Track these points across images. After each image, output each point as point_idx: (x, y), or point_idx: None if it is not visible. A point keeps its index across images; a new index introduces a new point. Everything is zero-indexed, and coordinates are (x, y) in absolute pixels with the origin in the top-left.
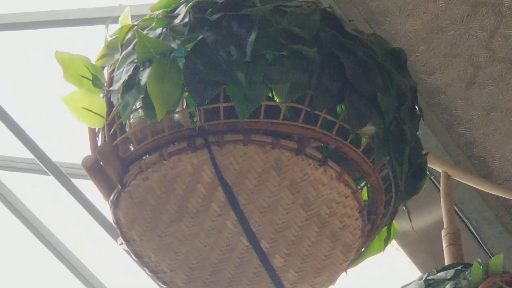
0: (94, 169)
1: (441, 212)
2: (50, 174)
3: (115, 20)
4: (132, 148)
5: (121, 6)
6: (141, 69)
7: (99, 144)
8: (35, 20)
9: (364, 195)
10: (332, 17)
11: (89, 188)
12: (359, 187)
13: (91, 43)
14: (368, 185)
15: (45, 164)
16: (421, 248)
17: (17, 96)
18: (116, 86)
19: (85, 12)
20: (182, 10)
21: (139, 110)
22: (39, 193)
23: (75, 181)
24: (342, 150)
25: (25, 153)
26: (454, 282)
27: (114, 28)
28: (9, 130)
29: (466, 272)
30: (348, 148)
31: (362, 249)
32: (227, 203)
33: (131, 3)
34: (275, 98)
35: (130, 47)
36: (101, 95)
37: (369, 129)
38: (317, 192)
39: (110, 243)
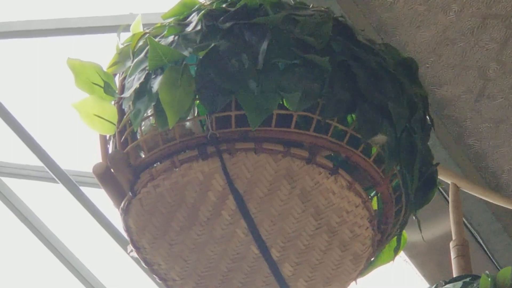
0: (105, 176)
1: (450, 223)
2: (59, 182)
3: (126, 28)
4: (143, 156)
5: (132, 14)
6: (153, 76)
7: (110, 151)
8: (47, 28)
9: (375, 204)
10: (344, 26)
11: (97, 196)
12: (370, 197)
13: (102, 51)
14: (379, 194)
15: (54, 172)
16: (429, 259)
17: (26, 103)
18: (128, 93)
19: (96, 21)
20: (194, 18)
21: (151, 117)
22: (48, 201)
23: (84, 189)
24: (353, 159)
25: (34, 161)
26: None
27: (125, 36)
28: (19, 137)
29: (474, 285)
30: (359, 158)
31: (372, 259)
32: (238, 211)
33: (142, 11)
34: (287, 107)
35: (142, 55)
36: (113, 102)
37: (380, 138)
38: (328, 201)
39: (118, 252)
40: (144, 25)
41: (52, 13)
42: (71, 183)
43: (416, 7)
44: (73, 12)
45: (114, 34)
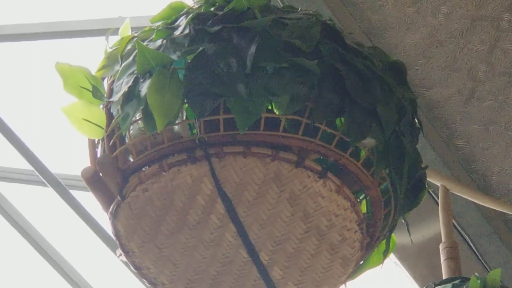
0: (94, 180)
1: (439, 225)
2: (49, 185)
3: (115, 31)
4: (132, 160)
5: (121, 17)
6: (141, 80)
7: (98, 155)
8: (35, 31)
9: (363, 208)
10: (332, 29)
11: (87, 199)
12: (359, 200)
13: (91, 54)
14: (368, 197)
15: (43, 175)
16: (419, 261)
17: (15, 107)
18: (116, 97)
19: (85, 24)
20: (183, 22)
21: (139, 121)
22: (38, 204)
23: (74, 192)
24: (342, 162)
25: (24, 164)
26: None
27: (114, 39)
28: (8, 141)
29: (464, 286)
30: (348, 161)
31: (361, 262)
32: (227, 215)
33: (131, 14)
34: (275, 110)
35: (130, 59)
36: (101, 106)
37: (369, 141)
38: (317, 204)
39: (108, 255)
40: (133, 29)
41: (41, 17)
42: (61, 187)
43: (405, 9)
44: (61, 16)
45: (103, 38)
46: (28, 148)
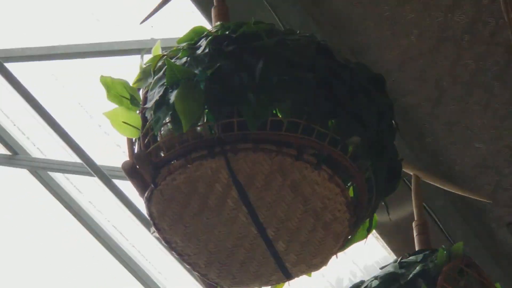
0: (132, 171)
1: (412, 207)
2: (95, 175)
3: (148, 51)
4: (163, 155)
5: (153, 39)
6: (170, 90)
7: (135, 151)
8: (86, 50)
9: (351, 192)
10: (325, 48)
11: (127, 187)
12: (347, 186)
13: (129, 69)
14: (354, 185)
15: (91, 167)
16: (396, 236)
17: (70, 112)
18: (150, 104)
19: (124, 44)
20: (203, 43)
21: (168, 123)
22: (87, 191)
23: (115, 181)
24: (333, 156)
25: (76, 159)
26: (423, 264)
27: (147, 57)
28: (63, 140)
29: (433, 256)
30: (338, 155)
31: (349, 237)
32: (240, 199)
33: (161, 37)
34: (279, 114)
35: (161, 73)
36: (137, 111)
37: (355, 139)
38: (313, 190)
39: (143, 232)
40: (163, 48)
41: (89, 38)
42: (105, 176)
43: (383, 32)
44: (106, 38)
45: (139, 56)
46: (78, 145)
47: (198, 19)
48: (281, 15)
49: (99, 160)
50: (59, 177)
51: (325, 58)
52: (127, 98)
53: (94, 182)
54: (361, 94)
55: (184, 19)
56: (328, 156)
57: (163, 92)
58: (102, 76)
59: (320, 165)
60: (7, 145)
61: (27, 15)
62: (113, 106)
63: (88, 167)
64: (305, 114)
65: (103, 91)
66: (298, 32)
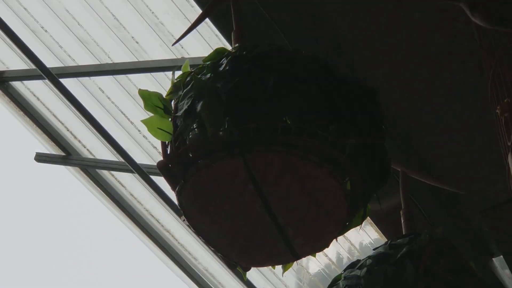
0: (165, 169)
1: (400, 198)
2: (135, 172)
3: (178, 68)
4: (191, 155)
5: (183, 58)
6: (197, 101)
7: (168, 152)
8: (127, 67)
9: (348, 186)
10: (326, 65)
11: (162, 182)
12: (345, 181)
13: (163, 83)
14: (351, 179)
15: (132, 165)
16: (386, 222)
17: (115, 120)
18: (180, 113)
19: (158, 63)
20: (224, 61)
21: (195, 129)
22: (128, 185)
23: (152, 177)
24: (333, 155)
25: (119, 158)
26: (409, 246)
27: (177, 73)
28: (108, 142)
29: (417, 239)
30: (337, 154)
31: (347, 223)
32: (256, 192)
33: (190, 56)
34: (287, 121)
35: (189, 87)
36: (170, 119)
37: (351, 141)
38: (316, 184)
39: (175, 219)
40: (191, 66)
41: (130, 58)
42: (144, 173)
43: (375, 51)
44: (143, 57)
45: (170, 72)
46: (122, 147)
47: (221, 41)
48: (289, 36)
49: (139, 159)
50: (106, 174)
51: (326, 74)
52: (161, 108)
53: (135, 178)
54: (356, 103)
55: (209, 41)
56: (329, 156)
57: (191, 103)
58: (140, 90)
59: (322, 163)
60: (61, 147)
61: (78, 39)
62: (149, 114)
63: (130, 165)
64: (309, 121)
65: (141, 101)
66: (303, 51)
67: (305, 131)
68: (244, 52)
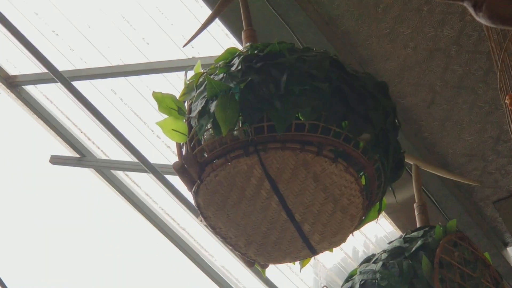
0: (181, 170)
1: (413, 191)
2: (150, 172)
3: (190, 68)
4: (206, 155)
5: (194, 58)
6: (210, 102)
7: (183, 153)
8: (139, 69)
9: (363, 181)
10: (337, 62)
11: (177, 181)
12: (360, 176)
13: (175, 83)
14: (365, 174)
15: (146, 165)
16: (401, 215)
17: (128, 121)
18: (194, 114)
19: (169, 63)
20: (236, 61)
21: (210, 129)
22: (143, 185)
23: (167, 176)
24: (347, 151)
25: (132, 158)
26: (423, 239)
27: (190, 74)
28: (122, 143)
29: (432, 232)
30: (351, 150)
31: (363, 218)
32: (271, 190)
33: (201, 55)
34: (301, 118)
35: (202, 87)
36: (184, 120)
37: (365, 136)
38: (332, 180)
39: (191, 217)
40: (202, 66)
41: (143, 58)
42: (158, 172)
43: (385, 45)
44: (154, 58)
45: (182, 72)
46: (135, 147)
47: (230, 40)
48: (299, 35)
49: (153, 159)
50: (120, 174)
51: (337, 70)
52: (175, 110)
53: (149, 177)
54: (368, 98)
55: (219, 40)
56: (343, 151)
57: (205, 103)
58: (154, 92)
59: (337, 159)
60: (76, 149)
61: (89, 41)
62: (163, 116)
63: (144, 165)
64: (323, 117)
65: (153, 101)
66: (314, 49)
67: (319, 128)
68: (256, 51)
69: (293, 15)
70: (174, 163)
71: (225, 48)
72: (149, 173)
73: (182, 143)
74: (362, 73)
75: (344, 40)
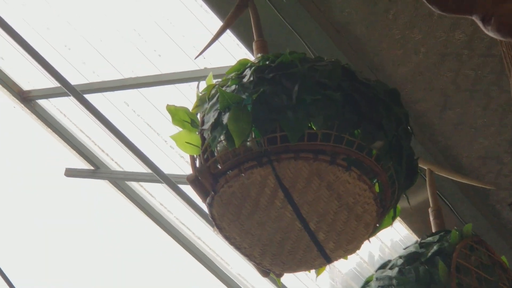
0: (195, 182)
1: (428, 195)
2: (164, 182)
3: (202, 79)
4: (220, 167)
5: (206, 69)
6: (223, 113)
7: (197, 165)
8: (151, 81)
9: (377, 188)
10: (349, 70)
11: (190, 190)
12: (373, 183)
13: (187, 95)
14: (379, 181)
15: (160, 175)
16: (415, 220)
17: (141, 132)
18: (207, 126)
19: (180, 74)
20: (248, 72)
21: (223, 141)
22: (158, 195)
23: (181, 186)
24: (360, 159)
25: (146, 169)
26: (439, 244)
27: (201, 84)
28: (135, 154)
29: (447, 237)
30: (364, 158)
31: (377, 225)
32: (285, 199)
33: (213, 66)
34: (313, 127)
35: (214, 99)
36: (197, 132)
37: (378, 144)
38: (345, 188)
39: (205, 226)
40: (214, 76)
41: (153, 71)
42: (172, 183)
43: (396, 52)
44: (166, 69)
45: (194, 83)
46: (149, 158)
47: (242, 50)
48: (310, 43)
49: (166, 169)
50: (135, 185)
51: (349, 79)
52: (188, 122)
53: (164, 187)
54: (380, 106)
55: (230, 50)
56: (356, 160)
57: (217, 115)
58: (168, 105)
59: (350, 167)
60: (90, 161)
61: (101, 54)
62: (176, 128)
63: (158, 175)
64: (335, 126)
65: (166, 112)
66: (325, 58)
67: (332, 137)
68: (267, 62)
69: (303, 23)
70: (188, 176)
71: (236, 58)
72: (163, 183)
73: (195, 155)
74: (374, 81)
75: (355, 47)
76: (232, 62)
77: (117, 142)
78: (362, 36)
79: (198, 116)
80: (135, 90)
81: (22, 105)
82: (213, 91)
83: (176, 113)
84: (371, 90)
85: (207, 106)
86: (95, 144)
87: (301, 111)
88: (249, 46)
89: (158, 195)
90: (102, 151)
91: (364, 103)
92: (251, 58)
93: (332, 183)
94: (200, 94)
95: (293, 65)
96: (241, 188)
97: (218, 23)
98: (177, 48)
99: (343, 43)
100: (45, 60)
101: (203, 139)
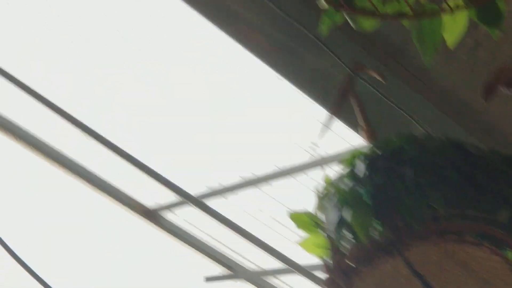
0: (332, 284)
1: None
2: (300, 273)
3: (315, 166)
4: (350, 263)
5: (322, 158)
6: (344, 211)
7: (330, 267)
8: (269, 176)
9: (510, 256)
10: (460, 146)
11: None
12: (506, 252)
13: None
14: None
15: (295, 267)
16: None
17: (268, 228)
18: (331, 226)
19: (298, 166)
20: (362, 166)
21: (349, 238)
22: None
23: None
24: (488, 232)
25: (281, 263)
26: None
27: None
28: (269, 253)
29: None
30: (492, 230)
31: None
32: (424, 286)
33: (324, 152)
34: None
35: (334, 198)
36: (323, 234)
37: (503, 214)
38: (480, 264)
39: None
40: (326, 162)
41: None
42: (308, 273)
43: (507, 107)
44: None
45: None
46: (281, 253)
47: (349, 130)
48: (417, 115)
49: (300, 260)
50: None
51: (462, 154)
52: (312, 226)
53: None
54: (499, 176)
55: (338, 135)
56: (484, 233)
57: (339, 213)
58: (291, 214)
59: (481, 242)
60: (225, 265)
61: (217, 159)
62: (304, 235)
63: (293, 267)
64: (457, 205)
65: (288, 204)
66: (434, 136)
67: (455, 215)
68: (378, 151)
69: (408, 100)
70: (325, 280)
71: (346, 140)
72: (299, 274)
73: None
74: (487, 151)
75: (462, 111)
76: (343, 143)
77: (246, 241)
78: (468, 99)
79: (320, 216)
80: (255, 188)
81: (149, 221)
82: (330, 189)
83: (300, 219)
84: (487, 162)
85: (328, 205)
86: (226, 247)
87: (419, 195)
88: (355, 127)
89: (296, 286)
90: (233, 251)
91: (482, 177)
92: (361, 141)
93: (465, 261)
94: (320, 195)
95: (404, 150)
96: (375, 282)
97: (316, 107)
98: (289, 141)
99: (450, 109)
100: (165, 178)
101: (330, 239)
